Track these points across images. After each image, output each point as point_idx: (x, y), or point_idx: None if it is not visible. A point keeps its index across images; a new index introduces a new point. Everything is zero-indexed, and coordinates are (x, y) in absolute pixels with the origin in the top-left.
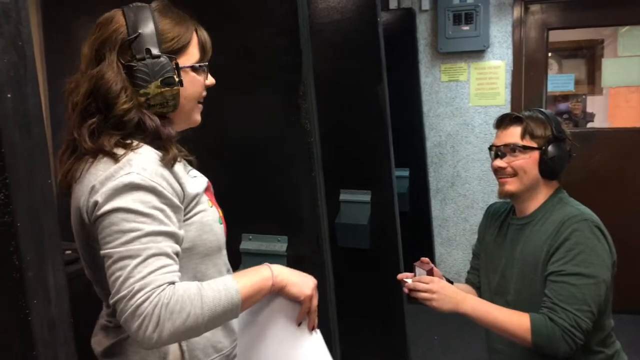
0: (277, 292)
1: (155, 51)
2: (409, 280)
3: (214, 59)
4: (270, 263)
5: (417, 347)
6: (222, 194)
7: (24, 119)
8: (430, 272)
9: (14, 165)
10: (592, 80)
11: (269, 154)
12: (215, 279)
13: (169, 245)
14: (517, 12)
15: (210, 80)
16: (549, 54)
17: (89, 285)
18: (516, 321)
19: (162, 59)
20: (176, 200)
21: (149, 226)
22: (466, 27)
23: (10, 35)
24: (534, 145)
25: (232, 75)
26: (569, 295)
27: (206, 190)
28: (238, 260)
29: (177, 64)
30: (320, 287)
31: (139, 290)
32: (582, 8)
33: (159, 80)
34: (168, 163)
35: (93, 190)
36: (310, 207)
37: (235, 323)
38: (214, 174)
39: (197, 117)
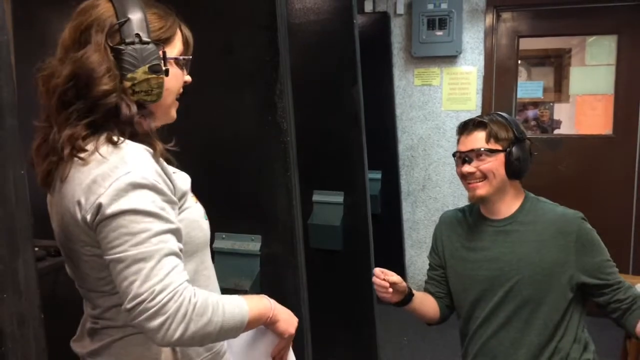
0: (267, 325)
1: (144, 37)
2: None
3: (192, 55)
4: (244, 262)
5: (386, 348)
6: (195, 192)
7: None
8: None
9: None
10: (559, 88)
11: (244, 152)
12: (230, 295)
13: (176, 244)
14: (489, 19)
15: (188, 77)
16: (519, 61)
17: (55, 284)
18: None
19: (150, 45)
20: (173, 196)
21: (156, 225)
22: (440, 33)
23: None
24: (499, 147)
25: (208, 72)
26: (628, 287)
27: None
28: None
29: (164, 53)
30: (293, 287)
31: (161, 291)
32: (552, 17)
33: (147, 66)
34: (158, 158)
35: (90, 189)
36: (285, 206)
37: None
38: (187, 172)
39: (174, 113)
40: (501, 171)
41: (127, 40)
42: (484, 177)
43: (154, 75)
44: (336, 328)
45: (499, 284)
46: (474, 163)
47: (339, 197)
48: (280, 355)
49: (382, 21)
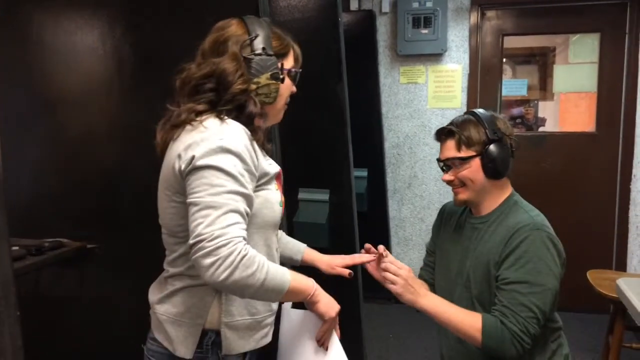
0: (308, 303)
1: (269, 51)
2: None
3: (178, 54)
4: None
5: (372, 345)
6: None
7: None
8: None
9: None
10: (544, 86)
11: None
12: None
13: (243, 206)
14: (474, 17)
15: (294, 87)
16: (504, 60)
17: (37, 283)
18: (468, 322)
19: (273, 57)
20: (254, 169)
21: (231, 185)
22: (425, 31)
23: None
24: (472, 153)
25: None
26: (517, 302)
27: (277, 177)
28: None
29: (282, 65)
30: None
31: (219, 236)
32: (536, 15)
33: (269, 74)
34: (252, 140)
35: (189, 147)
36: None
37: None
38: None
39: (281, 115)
40: (479, 176)
41: (256, 52)
42: (463, 183)
43: (273, 82)
44: None
45: (459, 281)
46: (452, 171)
47: (324, 195)
48: (323, 339)
49: (367, 19)
